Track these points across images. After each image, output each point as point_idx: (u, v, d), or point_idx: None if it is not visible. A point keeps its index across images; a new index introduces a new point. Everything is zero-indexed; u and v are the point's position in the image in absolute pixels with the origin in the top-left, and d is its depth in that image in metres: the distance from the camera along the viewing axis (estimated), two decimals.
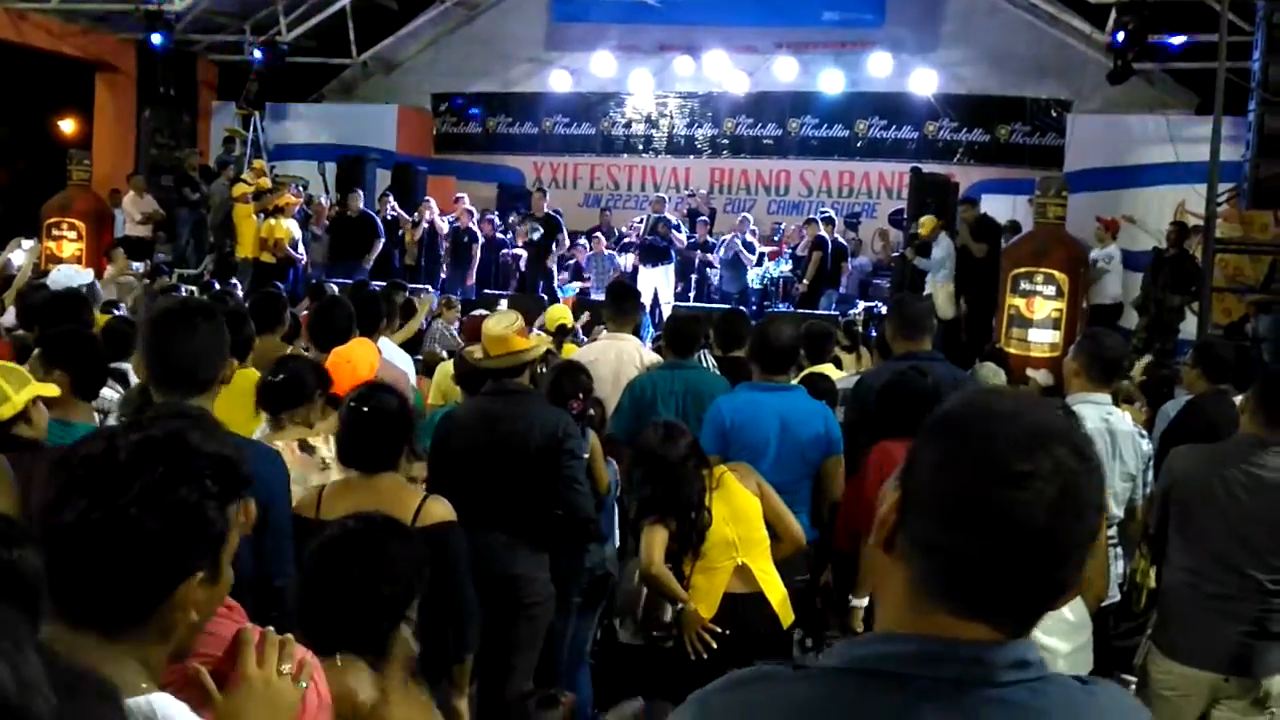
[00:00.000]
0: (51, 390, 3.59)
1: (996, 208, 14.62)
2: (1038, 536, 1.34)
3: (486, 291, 14.99)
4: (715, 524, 4.29)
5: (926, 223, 13.42)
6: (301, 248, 14.90)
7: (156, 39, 16.62)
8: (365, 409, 3.81)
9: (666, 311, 14.53)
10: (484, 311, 8.14)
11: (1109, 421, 5.02)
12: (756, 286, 15.68)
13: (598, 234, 16.42)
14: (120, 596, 1.62)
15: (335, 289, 8.85)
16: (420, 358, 8.07)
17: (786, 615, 4.39)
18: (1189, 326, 12.15)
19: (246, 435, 4.01)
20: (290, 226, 14.78)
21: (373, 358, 5.16)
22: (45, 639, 1.59)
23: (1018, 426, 1.38)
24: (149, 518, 1.60)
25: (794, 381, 5.82)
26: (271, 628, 1.95)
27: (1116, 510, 5.04)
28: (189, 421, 1.84)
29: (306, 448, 4.18)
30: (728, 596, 4.30)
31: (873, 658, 1.38)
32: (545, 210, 16.03)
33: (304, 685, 1.90)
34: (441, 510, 3.77)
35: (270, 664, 1.86)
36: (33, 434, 3.43)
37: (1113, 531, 5.09)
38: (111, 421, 4.94)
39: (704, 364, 6.61)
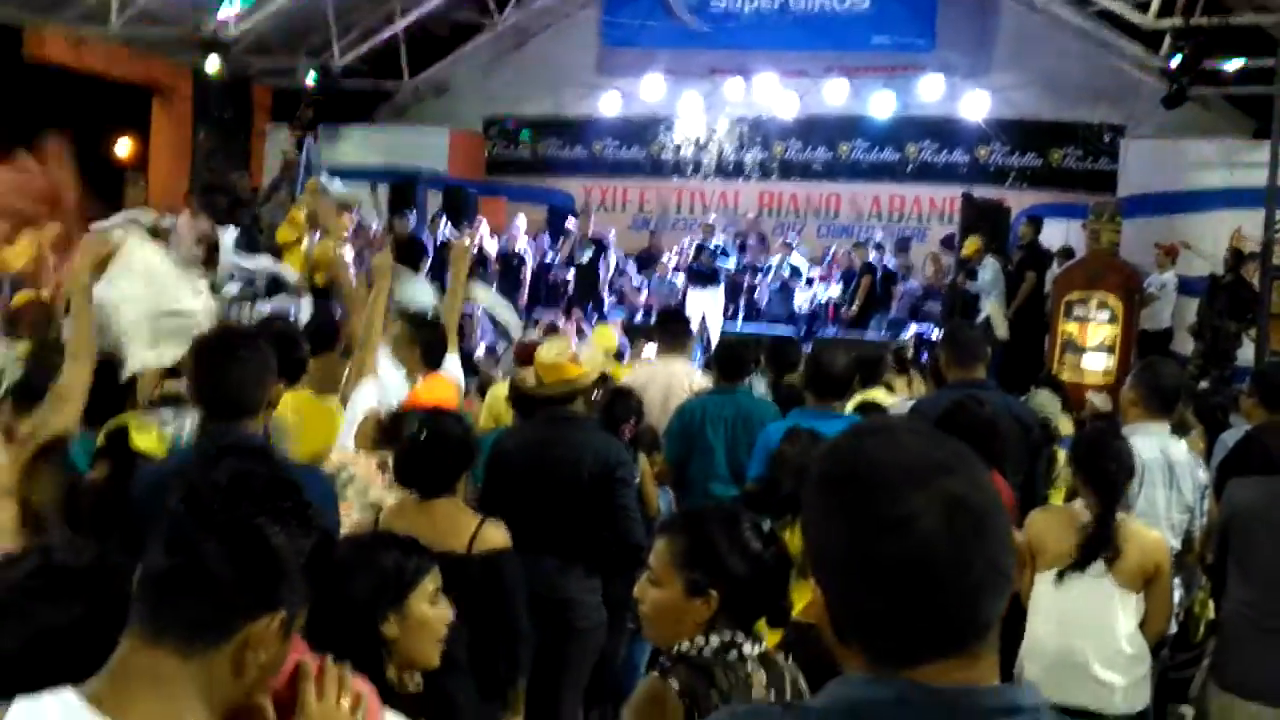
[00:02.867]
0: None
1: (1049, 233, 14.54)
2: (944, 570, 1.32)
3: (538, 314, 15.06)
4: None
5: (970, 244, 13.37)
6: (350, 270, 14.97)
7: (213, 64, 16.85)
8: (428, 433, 3.84)
9: (715, 334, 14.56)
10: (536, 337, 8.15)
11: (1166, 452, 4.99)
12: (805, 310, 15.66)
13: (663, 259, 16.39)
14: (197, 615, 1.67)
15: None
16: (476, 378, 8.10)
17: None
18: (1246, 353, 12.00)
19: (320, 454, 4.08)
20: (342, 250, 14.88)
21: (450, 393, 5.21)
22: (109, 670, 1.66)
23: (890, 471, 1.36)
24: (225, 559, 1.67)
25: (849, 408, 5.80)
26: (330, 657, 1.97)
27: (1174, 541, 4.99)
28: (270, 464, 1.91)
29: (384, 467, 4.24)
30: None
31: (860, 701, 1.37)
32: (592, 232, 16.11)
33: (360, 718, 1.92)
34: (498, 536, 3.79)
35: (330, 697, 1.88)
36: None
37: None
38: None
39: (754, 389, 6.62)
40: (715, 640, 2.56)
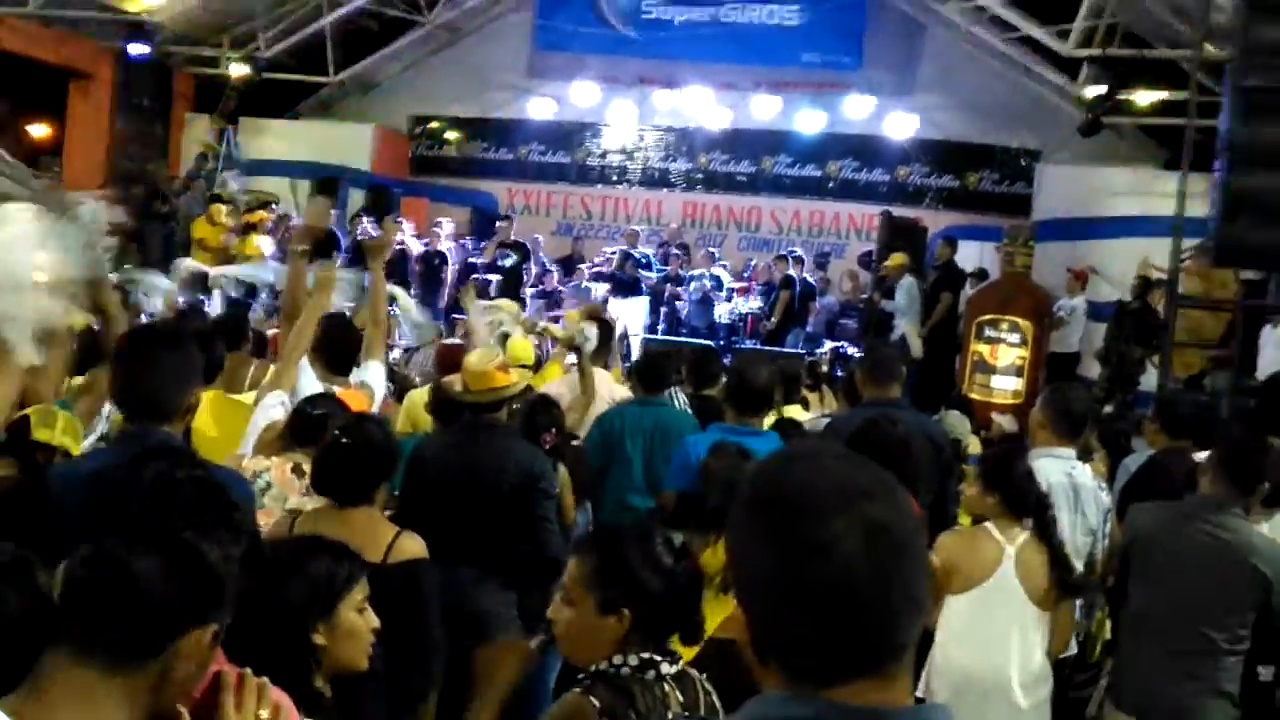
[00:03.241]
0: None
1: (964, 254, 14.78)
2: (864, 593, 1.36)
3: (455, 316, 14.98)
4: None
5: (894, 259, 13.56)
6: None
7: (137, 49, 16.56)
8: (348, 440, 3.80)
9: (636, 344, 14.60)
10: (457, 340, 8.10)
11: (1072, 476, 5.10)
12: (725, 322, 15.78)
13: (581, 265, 16.43)
14: (130, 630, 1.64)
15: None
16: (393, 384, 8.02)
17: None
18: (1150, 379, 12.30)
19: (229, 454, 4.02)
20: (261, 243, 14.75)
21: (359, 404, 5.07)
22: (30, 684, 1.63)
23: (815, 496, 1.40)
24: (157, 573, 1.64)
25: (767, 423, 5.86)
26: (249, 670, 1.97)
27: (1077, 564, 5.10)
28: (197, 470, 1.88)
29: (299, 471, 4.16)
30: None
31: (774, 719, 1.41)
32: (514, 237, 16.11)
33: None
34: (415, 547, 3.76)
35: (248, 709, 1.88)
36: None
37: None
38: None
39: (675, 401, 6.65)
40: (633, 659, 2.58)
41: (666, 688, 2.57)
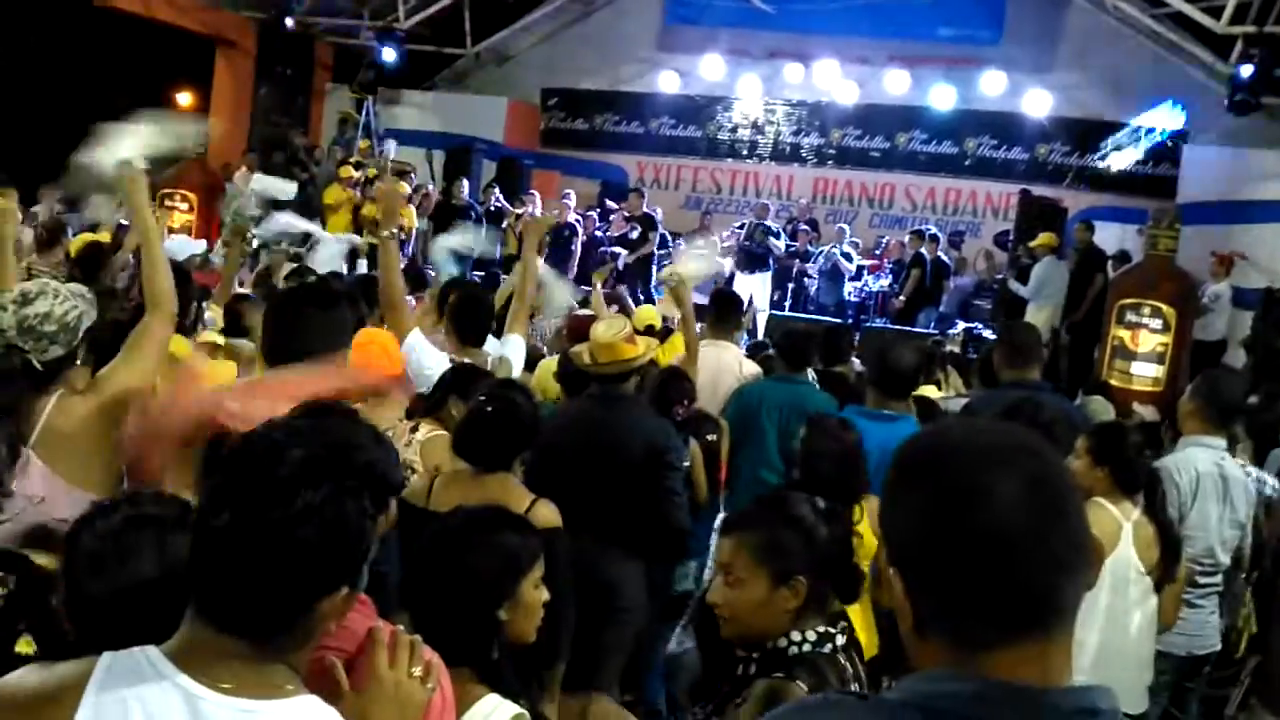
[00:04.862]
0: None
1: (1106, 236, 14.37)
2: (1024, 542, 1.33)
3: (583, 288, 15.04)
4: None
5: (1044, 238, 13.22)
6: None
7: (288, 21, 16.99)
8: (492, 407, 3.80)
9: (761, 319, 14.50)
10: (588, 311, 8.11)
11: (1222, 466, 4.93)
12: (854, 299, 15.58)
13: (711, 237, 16.31)
14: (268, 606, 1.61)
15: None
16: None
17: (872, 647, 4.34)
18: None
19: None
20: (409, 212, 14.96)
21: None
22: (186, 639, 1.64)
23: (973, 451, 1.40)
24: (310, 532, 1.59)
25: None
26: (402, 627, 1.98)
27: (1223, 557, 4.94)
28: (344, 425, 1.87)
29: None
30: None
31: (935, 695, 1.37)
32: (643, 210, 16.10)
33: (431, 688, 1.93)
34: (550, 515, 3.76)
35: (401, 665, 1.89)
36: None
37: (1218, 579, 4.99)
38: None
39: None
40: (811, 634, 2.56)
41: (843, 659, 2.54)
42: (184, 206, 16.13)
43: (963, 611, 1.37)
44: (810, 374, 6.75)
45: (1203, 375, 5.32)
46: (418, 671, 1.90)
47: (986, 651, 1.35)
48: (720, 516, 5.55)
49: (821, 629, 2.57)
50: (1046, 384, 5.76)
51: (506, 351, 5.10)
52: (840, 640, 2.58)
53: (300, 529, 1.58)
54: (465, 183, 16.34)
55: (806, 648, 2.54)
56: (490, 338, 5.37)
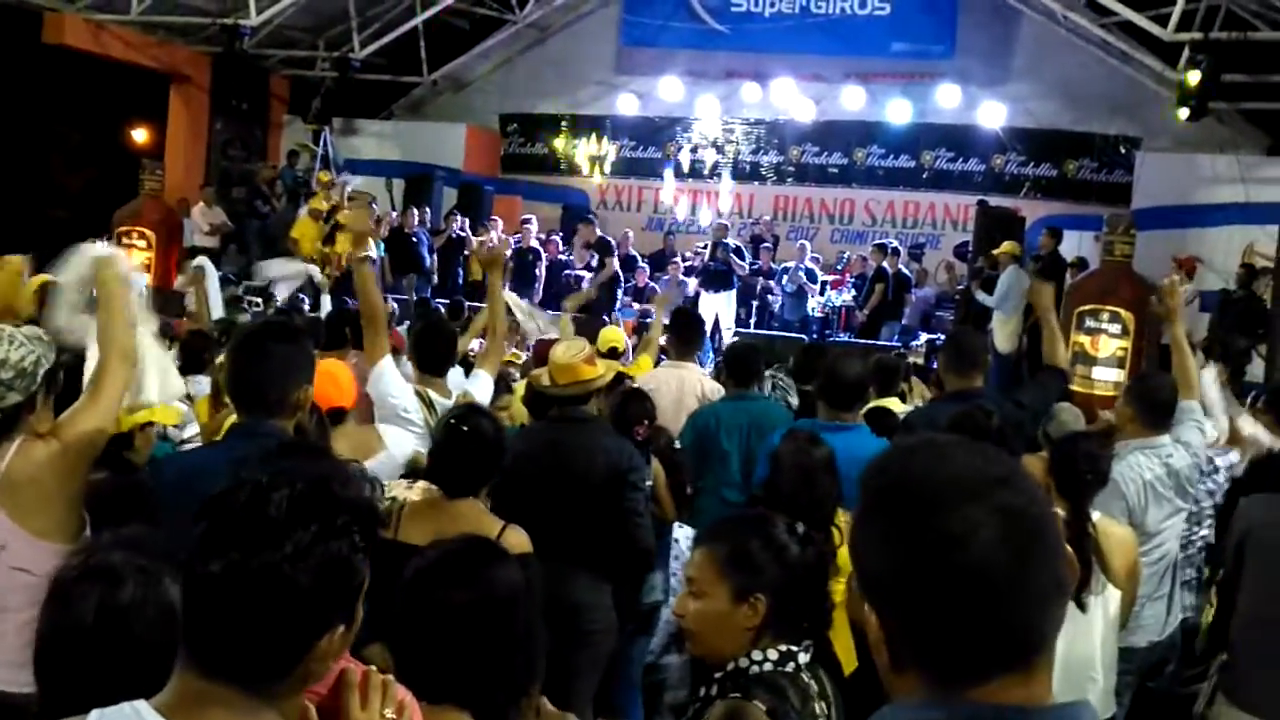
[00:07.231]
0: (170, 418, 3.63)
1: (1063, 244, 14.49)
2: (1005, 582, 1.31)
3: (549, 311, 15.03)
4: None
5: (1006, 247, 13.28)
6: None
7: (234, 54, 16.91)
8: (463, 429, 3.79)
9: (727, 338, 14.53)
10: (553, 335, 8.11)
11: (1168, 463, 4.94)
12: (818, 315, 15.65)
13: (675, 259, 16.34)
14: (264, 651, 1.59)
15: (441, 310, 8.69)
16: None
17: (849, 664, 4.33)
18: (1256, 369, 11.98)
19: None
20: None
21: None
22: (176, 691, 1.61)
23: (941, 486, 1.36)
24: (302, 572, 1.57)
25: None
26: (374, 667, 1.96)
27: (1173, 545, 4.98)
28: (324, 463, 1.85)
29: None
30: None
31: None
32: (596, 235, 16.24)
33: None
34: (520, 540, 3.72)
35: (374, 708, 1.84)
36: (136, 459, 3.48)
37: (1171, 573, 5.02)
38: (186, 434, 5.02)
39: (787, 395, 6.60)
40: (773, 653, 2.54)
41: (806, 678, 2.52)
42: (142, 244, 16.00)
43: (944, 651, 1.35)
44: (794, 396, 6.77)
45: (1135, 379, 5.35)
46: (389, 714, 1.88)
47: (970, 686, 1.34)
48: (677, 527, 5.61)
49: (784, 648, 2.55)
50: (989, 390, 5.72)
51: (471, 387, 5.07)
52: (804, 658, 2.56)
53: (292, 570, 1.56)
54: (415, 212, 16.38)
55: (768, 667, 2.51)
56: (459, 371, 5.34)
